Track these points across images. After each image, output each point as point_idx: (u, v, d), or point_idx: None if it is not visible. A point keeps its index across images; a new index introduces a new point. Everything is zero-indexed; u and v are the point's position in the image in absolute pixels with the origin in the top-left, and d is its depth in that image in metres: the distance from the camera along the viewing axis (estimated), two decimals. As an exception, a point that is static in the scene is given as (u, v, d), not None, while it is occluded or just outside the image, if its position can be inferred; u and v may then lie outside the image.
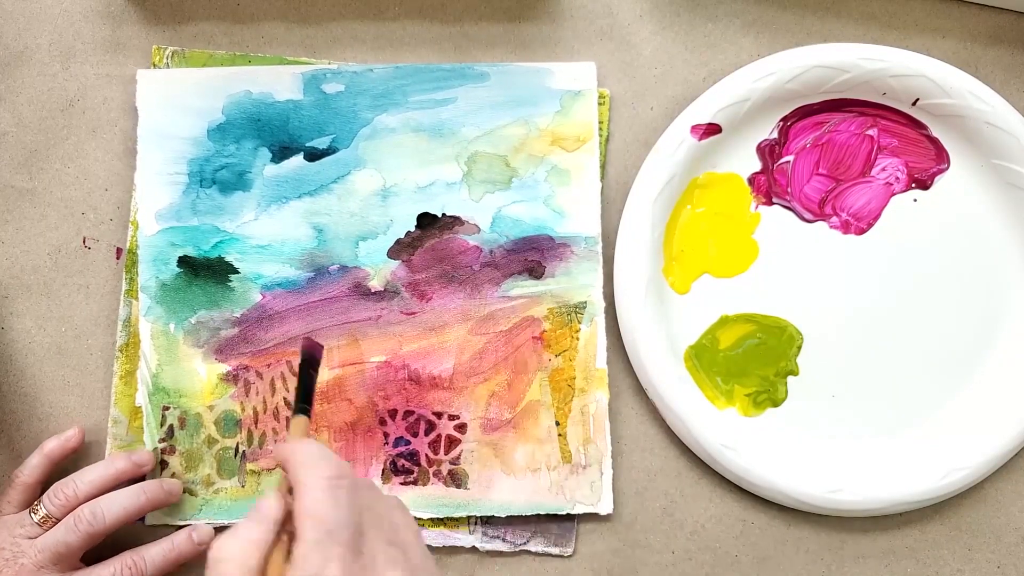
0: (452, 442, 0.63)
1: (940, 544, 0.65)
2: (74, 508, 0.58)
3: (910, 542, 0.65)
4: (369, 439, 0.63)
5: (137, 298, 0.62)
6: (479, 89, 0.63)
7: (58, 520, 0.58)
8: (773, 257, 0.64)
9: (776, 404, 0.64)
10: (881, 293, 0.64)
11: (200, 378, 0.62)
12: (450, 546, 0.63)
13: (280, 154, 0.63)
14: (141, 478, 0.61)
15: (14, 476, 0.60)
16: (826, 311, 0.64)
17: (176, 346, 0.62)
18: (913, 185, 0.64)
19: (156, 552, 0.59)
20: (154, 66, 0.63)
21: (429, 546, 0.63)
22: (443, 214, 0.63)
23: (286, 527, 0.44)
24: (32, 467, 0.60)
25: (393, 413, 0.63)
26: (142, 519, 0.62)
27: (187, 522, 0.62)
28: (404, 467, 0.63)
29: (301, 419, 0.50)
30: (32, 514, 0.58)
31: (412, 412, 0.63)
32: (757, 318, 0.64)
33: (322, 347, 0.55)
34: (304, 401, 0.52)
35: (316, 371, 0.53)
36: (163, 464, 0.62)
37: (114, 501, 0.58)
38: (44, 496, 0.58)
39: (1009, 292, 0.64)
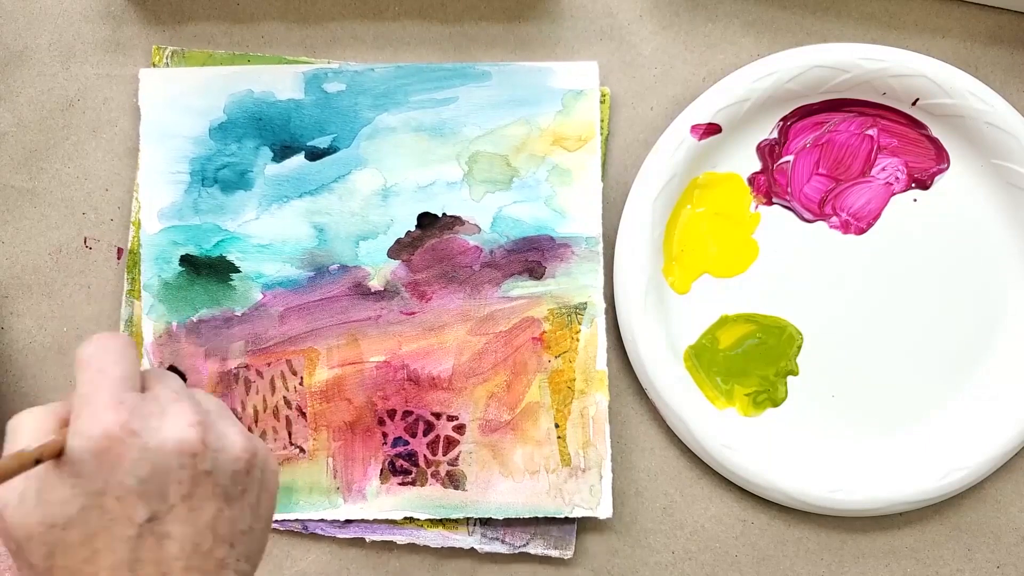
0: (451, 443, 0.63)
1: (940, 544, 0.65)
2: None
3: (910, 542, 0.65)
4: (368, 439, 0.63)
5: (139, 298, 0.62)
6: (480, 89, 0.63)
7: None
8: (773, 257, 0.64)
9: (776, 404, 0.64)
10: (881, 293, 0.64)
11: (201, 376, 0.63)
12: (449, 547, 0.63)
13: (281, 153, 0.63)
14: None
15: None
16: (826, 311, 0.64)
17: (178, 345, 0.63)
18: (913, 185, 0.64)
19: None
20: (154, 66, 0.63)
21: (427, 547, 0.63)
22: (443, 214, 0.63)
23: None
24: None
25: (392, 413, 0.63)
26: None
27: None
28: (402, 467, 0.63)
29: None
30: None
31: (411, 412, 0.63)
32: (757, 318, 0.64)
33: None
34: None
35: None
36: (163, 464, 0.62)
37: None
38: None
39: (1009, 292, 0.64)
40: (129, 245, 0.63)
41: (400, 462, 0.63)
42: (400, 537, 0.63)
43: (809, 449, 0.64)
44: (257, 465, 0.43)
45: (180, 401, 0.41)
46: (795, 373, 0.64)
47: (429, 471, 0.63)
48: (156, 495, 0.39)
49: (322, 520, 0.63)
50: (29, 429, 0.41)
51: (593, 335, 0.63)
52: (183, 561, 0.39)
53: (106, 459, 0.38)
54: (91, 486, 0.39)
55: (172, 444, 0.39)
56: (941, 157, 0.64)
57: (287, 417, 0.63)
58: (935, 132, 0.64)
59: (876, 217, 0.64)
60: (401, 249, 0.63)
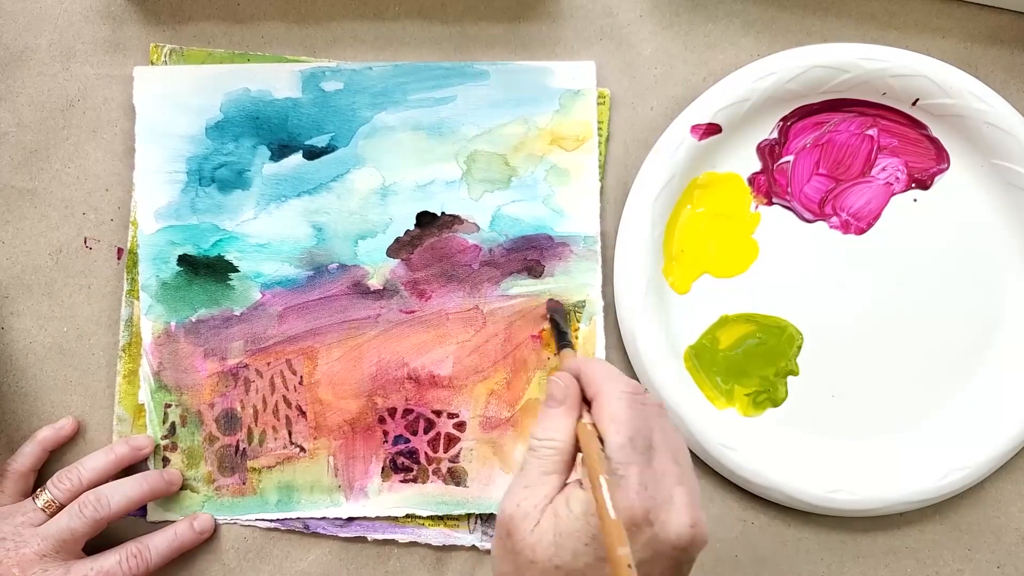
0: (451, 440, 0.63)
1: (940, 544, 0.65)
2: (79, 494, 0.59)
3: (910, 542, 0.65)
4: (368, 437, 0.63)
5: (139, 298, 0.63)
6: (479, 88, 0.63)
7: (62, 505, 0.58)
8: (773, 257, 0.64)
9: (776, 404, 0.64)
10: (881, 293, 0.64)
11: (200, 376, 0.63)
12: (450, 545, 0.63)
13: (279, 152, 0.63)
14: (142, 465, 0.62)
15: (7, 465, 0.60)
16: (826, 311, 0.64)
17: (177, 344, 0.63)
18: (913, 185, 0.64)
19: (159, 540, 0.60)
20: (152, 64, 0.63)
21: (428, 545, 0.63)
22: (442, 213, 0.63)
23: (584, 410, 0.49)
24: (25, 455, 0.61)
25: (392, 411, 0.63)
26: (144, 515, 0.62)
27: (188, 520, 0.62)
28: (403, 465, 0.63)
29: (568, 351, 0.57)
30: (35, 500, 0.58)
31: (411, 410, 0.63)
32: (757, 318, 0.64)
33: (560, 304, 0.63)
34: (563, 340, 0.60)
35: (562, 318, 0.62)
36: (165, 461, 0.62)
37: (117, 488, 0.59)
38: (48, 483, 0.59)
39: (1009, 292, 0.64)
40: (129, 245, 0.63)
41: (401, 460, 0.63)
42: (402, 536, 0.63)
43: (809, 449, 0.64)
44: (700, 550, 0.46)
45: (682, 486, 0.45)
46: (795, 373, 0.64)
47: (430, 468, 0.63)
48: (643, 573, 0.44)
49: (324, 519, 0.63)
50: (560, 449, 0.47)
51: (592, 333, 0.63)
52: None
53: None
54: (600, 552, 0.43)
55: (673, 539, 0.44)
56: (941, 157, 0.64)
57: (287, 416, 0.63)
58: (935, 132, 0.64)
59: (876, 217, 0.64)
60: (400, 248, 0.63)
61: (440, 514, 0.63)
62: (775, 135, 0.64)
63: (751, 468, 0.62)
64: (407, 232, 0.63)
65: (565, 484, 0.46)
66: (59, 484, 0.59)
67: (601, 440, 0.46)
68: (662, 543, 0.44)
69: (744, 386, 0.64)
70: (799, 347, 0.64)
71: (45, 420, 0.63)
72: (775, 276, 0.64)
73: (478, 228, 0.63)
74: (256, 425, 0.63)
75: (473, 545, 0.63)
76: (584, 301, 0.63)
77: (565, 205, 0.63)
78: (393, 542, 0.63)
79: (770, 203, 0.64)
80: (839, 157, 0.64)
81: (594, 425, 0.47)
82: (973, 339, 0.64)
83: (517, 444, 0.63)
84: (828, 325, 0.64)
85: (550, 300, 0.63)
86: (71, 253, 0.63)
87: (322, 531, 0.63)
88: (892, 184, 0.64)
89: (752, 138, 0.64)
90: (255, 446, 0.63)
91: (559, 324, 0.61)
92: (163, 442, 0.62)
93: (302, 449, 0.63)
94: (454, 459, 0.63)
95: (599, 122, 0.64)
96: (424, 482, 0.63)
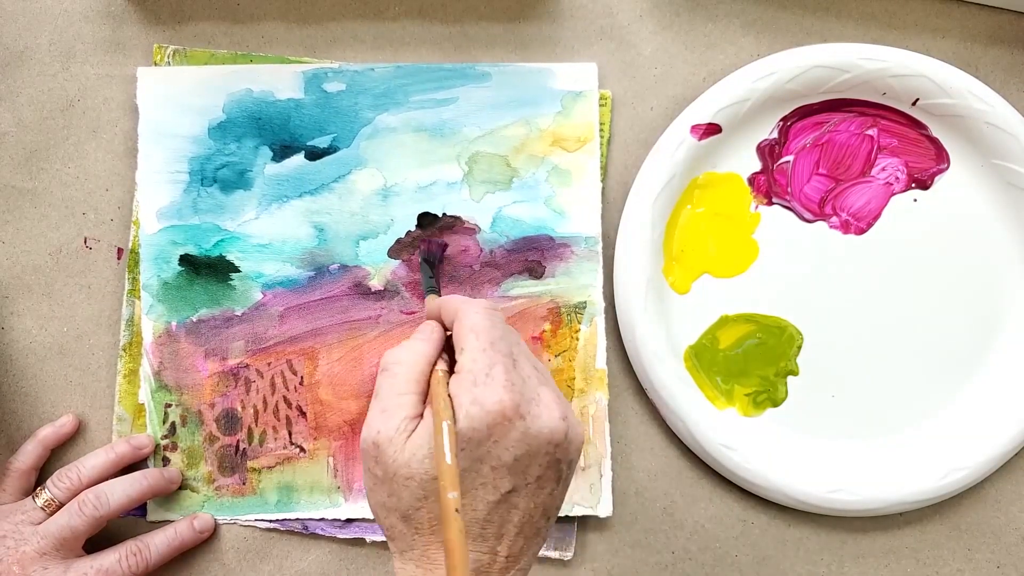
0: (452, 441, 0.63)
1: (940, 544, 0.65)
2: (78, 493, 0.59)
3: (910, 542, 0.65)
4: (369, 438, 0.63)
5: (140, 298, 0.63)
6: (480, 89, 0.63)
7: (62, 504, 0.58)
8: (773, 257, 0.64)
9: (776, 404, 0.64)
10: (881, 293, 0.64)
11: (201, 376, 0.63)
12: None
13: (281, 153, 0.63)
14: (142, 464, 0.62)
15: (8, 463, 0.60)
16: (826, 311, 0.64)
17: (178, 344, 0.63)
18: (913, 185, 0.64)
19: (159, 539, 0.60)
20: (155, 64, 0.63)
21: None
22: (444, 214, 0.63)
23: (442, 357, 0.50)
24: (27, 453, 0.61)
25: (393, 412, 0.63)
26: (144, 514, 0.62)
27: (188, 520, 0.62)
28: (404, 466, 0.63)
29: (432, 296, 0.57)
30: (35, 499, 0.58)
31: (412, 411, 0.63)
32: (757, 318, 0.64)
33: (442, 244, 0.64)
34: (428, 286, 0.61)
35: (431, 265, 0.63)
36: (165, 461, 0.62)
37: (117, 486, 0.59)
38: (48, 481, 0.59)
39: (1009, 292, 0.64)
40: (130, 245, 0.63)
41: (400, 462, 0.63)
42: (400, 537, 0.63)
43: (809, 449, 0.64)
44: (579, 454, 0.48)
45: (546, 387, 0.47)
46: (795, 373, 0.64)
47: (429, 471, 0.63)
48: (520, 472, 0.45)
49: (323, 519, 0.63)
50: (412, 367, 0.48)
51: (593, 334, 0.63)
52: (517, 528, 0.46)
53: (494, 433, 0.44)
54: (475, 452, 0.44)
55: (546, 434, 0.45)
56: (941, 157, 0.64)
57: (287, 417, 0.63)
58: (935, 132, 0.64)
59: (876, 217, 0.64)
60: (401, 249, 0.63)
61: (440, 515, 0.63)
62: (775, 135, 0.64)
63: (751, 468, 0.62)
64: (408, 233, 0.63)
65: (425, 405, 0.47)
66: (58, 483, 0.59)
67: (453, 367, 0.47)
68: (535, 437, 0.45)
69: (744, 386, 0.64)
70: (799, 347, 0.64)
71: (45, 419, 0.63)
72: (775, 276, 0.64)
73: (479, 229, 0.63)
74: (256, 425, 0.63)
75: (473, 545, 0.63)
76: (585, 302, 0.63)
77: (566, 206, 0.63)
78: (393, 542, 0.63)
79: (770, 203, 0.64)
80: (839, 157, 0.64)
81: (445, 372, 0.48)
82: (973, 339, 0.64)
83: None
84: (828, 325, 0.64)
85: (426, 243, 0.63)
86: (71, 253, 0.63)
87: (321, 532, 0.63)
88: (892, 184, 0.64)
89: (752, 138, 0.64)
90: (255, 446, 0.63)
91: (425, 270, 0.62)
92: (163, 442, 0.62)
93: (302, 449, 0.63)
94: (455, 460, 0.63)
95: (601, 124, 0.64)
96: (425, 482, 0.63)
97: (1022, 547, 0.65)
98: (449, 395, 0.46)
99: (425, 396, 0.48)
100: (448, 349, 0.51)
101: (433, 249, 0.63)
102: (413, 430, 0.46)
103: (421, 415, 0.47)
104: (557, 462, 0.46)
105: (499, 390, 0.45)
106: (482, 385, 0.45)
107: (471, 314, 0.48)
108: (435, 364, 0.49)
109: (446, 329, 0.52)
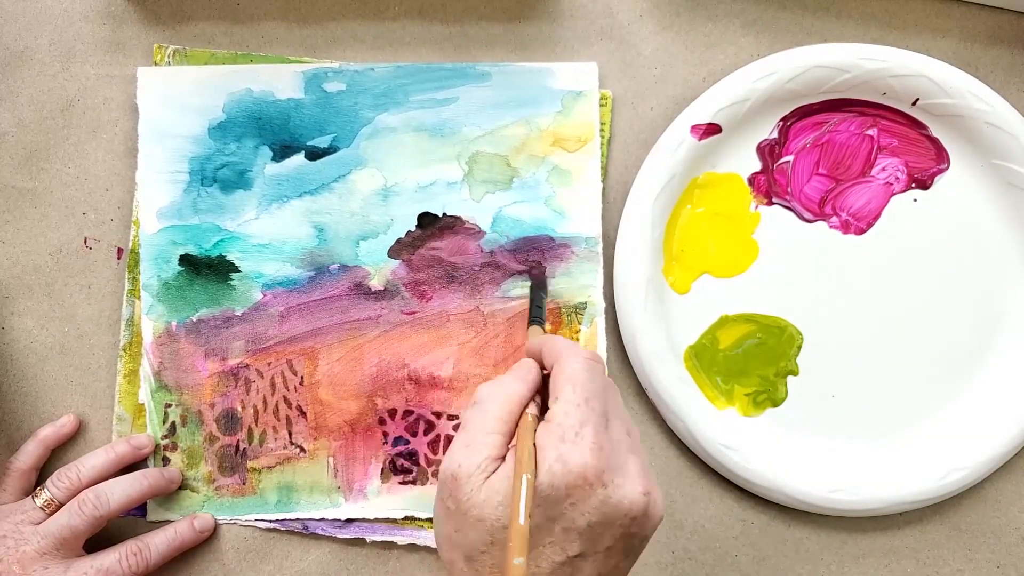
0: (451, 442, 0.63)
1: (940, 544, 0.65)
2: (78, 492, 0.59)
3: (910, 542, 0.65)
4: (368, 438, 0.63)
5: (140, 298, 0.63)
6: (480, 89, 0.63)
7: (62, 504, 0.58)
8: (773, 257, 0.64)
9: (776, 404, 0.64)
10: (881, 293, 0.64)
11: (201, 376, 0.63)
12: (450, 546, 0.63)
13: (281, 153, 0.63)
14: (142, 464, 0.62)
15: (8, 463, 0.60)
16: (826, 311, 0.64)
17: (178, 344, 0.63)
18: (913, 185, 0.64)
19: (160, 539, 0.60)
20: (155, 64, 0.63)
21: (428, 547, 0.63)
22: (444, 214, 0.63)
23: (535, 399, 0.48)
24: (27, 453, 0.61)
25: (392, 413, 0.63)
26: (144, 514, 0.62)
27: (188, 520, 0.62)
28: (403, 467, 0.63)
29: (536, 327, 0.57)
30: (34, 499, 0.58)
31: (411, 412, 0.63)
32: (757, 318, 0.64)
33: (543, 270, 0.63)
34: (537, 315, 0.60)
35: (544, 292, 0.62)
36: (165, 461, 0.62)
37: (117, 486, 0.59)
38: (47, 481, 0.59)
39: (1009, 292, 0.64)
40: (130, 244, 0.63)
41: (401, 461, 0.63)
42: (400, 537, 0.63)
43: (809, 449, 0.64)
44: (655, 530, 0.46)
45: (635, 456, 0.45)
46: (795, 373, 0.64)
47: (430, 470, 0.63)
48: (592, 540, 0.44)
49: (323, 520, 0.63)
50: (503, 406, 0.47)
51: (593, 334, 0.63)
52: None
53: (573, 495, 0.43)
54: (550, 511, 0.43)
55: (626, 506, 0.43)
56: (941, 157, 0.64)
57: (287, 417, 0.63)
58: (935, 132, 0.64)
59: (876, 217, 0.64)
60: (401, 249, 0.63)
61: (440, 516, 0.63)
62: (775, 135, 0.64)
63: (751, 468, 0.62)
64: (408, 233, 0.63)
65: (509, 447, 0.46)
66: (58, 483, 0.59)
67: (544, 411, 0.46)
68: (613, 508, 0.43)
69: (744, 386, 0.64)
70: (799, 347, 0.64)
71: (45, 419, 0.63)
72: (775, 276, 0.64)
73: (479, 229, 0.63)
74: (256, 425, 0.63)
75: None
76: (585, 303, 0.63)
77: (567, 206, 0.63)
78: (392, 544, 0.63)
79: (770, 203, 0.64)
80: (839, 157, 0.64)
81: (535, 418, 0.46)
82: (973, 339, 0.64)
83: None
84: (828, 325, 0.64)
85: (534, 265, 0.62)
86: (71, 253, 0.63)
87: (321, 532, 0.63)
88: (892, 184, 0.64)
89: (752, 138, 0.64)
90: (255, 446, 0.63)
91: (537, 298, 0.61)
92: (163, 442, 0.62)
93: (302, 449, 0.63)
94: (455, 460, 0.63)
95: (601, 124, 0.64)
96: (423, 484, 0.63)
97: (1022, 547, 0.65)
98: (535, 444, 0.44)
99: (511, 437, 0.46)
100: (542, 387, 0.50)
101: (544, 275, 0.62)
102: (493, 471, 0.44)
103: (503, 457, 0.45)
104: (631, 536, 0.44)
105: (586, 452, 0.43)
106: (570, 443, 0.43)
107: (572, 362, 0.47)
108: (527, 406, 0.47)
109: (543, 367, 0.50)
